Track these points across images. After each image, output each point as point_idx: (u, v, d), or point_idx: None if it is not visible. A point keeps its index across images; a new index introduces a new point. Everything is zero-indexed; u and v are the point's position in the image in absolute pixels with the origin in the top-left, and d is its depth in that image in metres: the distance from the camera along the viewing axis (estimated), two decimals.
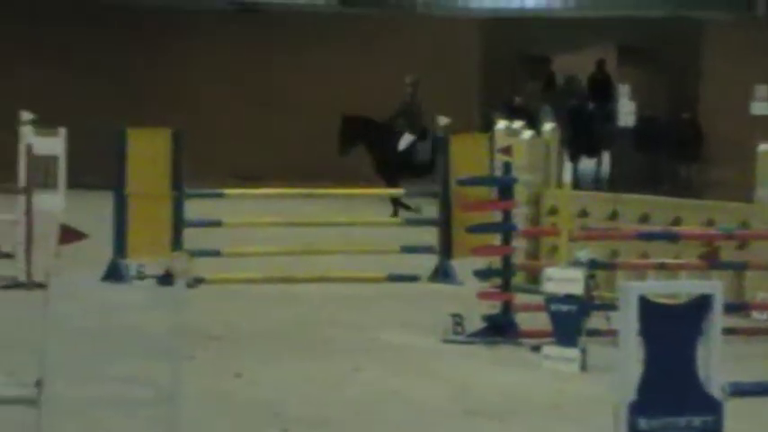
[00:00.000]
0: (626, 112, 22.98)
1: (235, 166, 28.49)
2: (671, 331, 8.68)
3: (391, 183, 24.98)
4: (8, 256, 18.58)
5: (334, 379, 13.95)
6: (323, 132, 30.07)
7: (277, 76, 31.38)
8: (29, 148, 18.74)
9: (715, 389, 8.75)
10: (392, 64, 31.23)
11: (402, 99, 26.26)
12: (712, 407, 8.73)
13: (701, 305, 8.73)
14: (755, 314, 17.28)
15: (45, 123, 19.16)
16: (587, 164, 20.33)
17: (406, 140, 24.02)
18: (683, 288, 8.97)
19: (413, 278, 19.61)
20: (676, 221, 18.30)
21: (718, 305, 8.75)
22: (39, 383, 8.18)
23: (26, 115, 19.16)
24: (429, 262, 19.99)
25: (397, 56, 31.52)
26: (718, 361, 8.74)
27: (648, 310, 8.63)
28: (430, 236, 20.17)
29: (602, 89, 29.32)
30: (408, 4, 32.85)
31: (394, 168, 25.54)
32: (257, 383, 13.45)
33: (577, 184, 18.90)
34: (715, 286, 9.00)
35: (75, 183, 19.21)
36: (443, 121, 20.65)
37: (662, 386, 8.62)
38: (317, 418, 12.21)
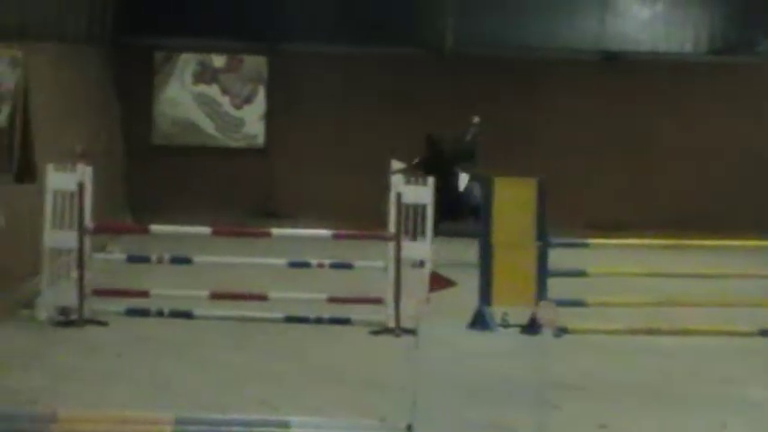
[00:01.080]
0: None
1: (594, 216, 28.34)
2: None
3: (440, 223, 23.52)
4: (378, 301, 18.84)
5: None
6: (691, 181, 29.90)
7: (641, 123, 31.19)
8: (398, 197, 18.99)
9: None
10: (751, 112, 30.90)
11: (466, 138, 25.20)
12: None
13: None
14: None
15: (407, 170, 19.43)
16: None
17: (463, 181, 23.46)
18: None
19: None
20: None
21: None
22: (409, 428, 8.27)
23: (397, 164, 19.41)
24: None
25: (752, 102, 31.15)
26: None
27: None
28: None
29: None
30: (763, 52, 32.38)
31: (452, 209, 24.45)
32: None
33: None
34: None
35: (441, 230, 19.38)
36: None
37: None
38: None
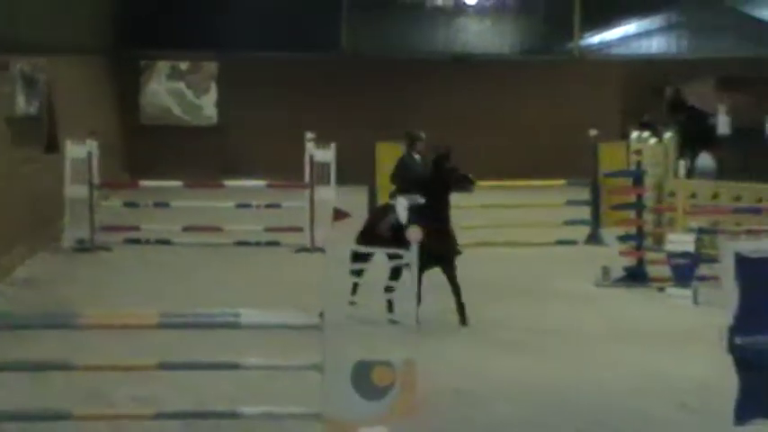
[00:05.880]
0: (723, 124, 22.46)
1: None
2: (757, 276, 8.51)
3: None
4: (298, 230, 18.84)
5: (530, 311, 13.90)
6: (518, 143, 30.01)
7: (482, 104, 31.22)
8: (311, 158, 19.16)
9: None
10: (561, 96, 31.00)
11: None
12: None
13: None
14: None
15: (321, 140, 19.40)
16: (705, 160, 19.80)
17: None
18: (766, 246, 8.76)
19: (573, 242, 19.41)
20: (760, 200, 17.92)
21: None
22: (321, 314, 8.24)
23: (309, 135, 19.39)
24: (584, 231, 19.77)
25: (563, 89, 31.26)
26: None
27: (741, 261, 8.47)
28: (585, 212, 19.94)
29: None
30: (568, 52, 32.51)
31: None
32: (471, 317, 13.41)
33: (690, 174, 18.46)
34: None
35: (342, 180, 19.35)
36: (593, 132, 20.40)
37: (751, 315, 8.46)
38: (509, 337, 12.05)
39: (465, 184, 13.01)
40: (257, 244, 19.00)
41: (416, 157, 13.56)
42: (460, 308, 12.81)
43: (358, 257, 11.71)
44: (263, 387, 9.32)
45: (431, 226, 11.42)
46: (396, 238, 11.92)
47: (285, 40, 30.98)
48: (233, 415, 8.54)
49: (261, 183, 20.13)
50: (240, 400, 8.77)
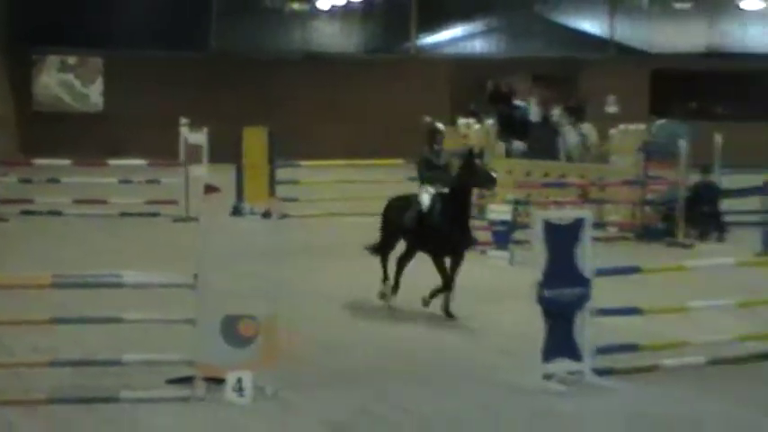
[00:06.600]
0: (535, 113, 22.79)
1: (309, 150, 28.20)
2: (561, 239, 8.72)
3: None
4: (174, 202, 18.65)
5: (373, 272, 13.96)
6: (364, 127, 30.02)
7: (334, 96, 31.18)
8: (186, 139, 19.09)
9: (587, 272, 8.80)
10: (400, 88, 31.12)
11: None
12: (585, 282, 8.80)
13: (578, 224, 8.78)
14: (610, 229, 17.32)
15: (195, 125, 19.25)
16: (518, 144, 20.07)
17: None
18: (569, 214, 8.98)
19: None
20: (563, 176, 18.30)
21: (588, 224, 8.80)
22: (195, 275, 8.19)
23: (183, 120, 19.23)
24: None
25: (401, 83, 31.40)
26: (588, 256, 8.79)
27: (549, 227, 8.67)
28: None
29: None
30: (406, 51, 32.69)
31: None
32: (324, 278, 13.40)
33: (508, 155, 18.74)
34: (586, 213, 9.05)
35: (213, 159, 19.23)
36: (427, 119, 20.50)
37: (556, 271, 8.67)
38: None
39: (490, 183, 11.80)
40: (139, 215, 18.74)
41: (436, 148, 12.04)
42: (447, 298, 11.40)
43: (383, 249, 11.66)
44: (143, 339, 9.23)
45: (455, 215, 11.12)
46: (420, 228, 11.44)
47: (163, 39, 30.67)
48: (117, 362, 8.50)
49: (141, 161, 19.86)
50: (124, 350, 8.68)
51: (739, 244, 16.05)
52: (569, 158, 19.59)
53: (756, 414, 8.11)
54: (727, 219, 17.54)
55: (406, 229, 11.76)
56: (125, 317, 8.58)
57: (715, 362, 9.28)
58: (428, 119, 20.72)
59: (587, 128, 20.24)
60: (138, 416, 7.89)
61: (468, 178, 11.44)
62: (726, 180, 18.25)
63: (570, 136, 19.44)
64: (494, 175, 11.76)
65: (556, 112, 17.52)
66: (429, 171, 11.83)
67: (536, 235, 8.65)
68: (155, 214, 18.68)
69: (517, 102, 19.45)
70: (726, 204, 17.81)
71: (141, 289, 8.95)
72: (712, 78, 31.80)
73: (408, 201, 11.99)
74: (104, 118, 30.63)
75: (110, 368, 8.53)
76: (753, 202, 16.80)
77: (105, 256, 14.62)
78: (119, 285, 8.61)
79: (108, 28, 30.58)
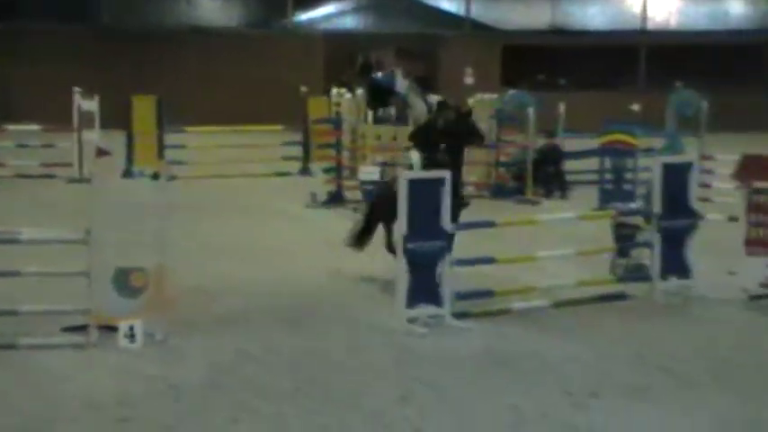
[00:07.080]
0: (400, 84, 22.79)
1: (195, 116, 27.73)
2: (425, 196, 8.77)
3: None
4: (68, 165, 18.25)
5: (254, 228, 13.85)
6: (245, 98, 29.58)
7: (219, 66, 30.70)
8: (79, 106, 18.54)
9: (447, 226, 8.87)
10: (278, 61, 30.80)
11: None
12: (446, 235, 8.87)
13: (440, 182, 8.84)
14: (467, 188, 17.45)
15: (87, 93, 18.80)
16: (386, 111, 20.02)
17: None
18: (432, 174, 9.03)
19: (289, 174, 19.44)
20: None
21: (447, 183, 8.87)
22: (88, 232, 8.03)
23: (77, 89, 18.78)
24: (297, 165, 19.83)
25: (280, 56, 31.07)
26: (448, 212, 8.86)
27: (413, 185, 8.71)
28: (297, 151, 20.00)
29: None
30: (284, 27, 32.37)
31: None
32: (209, 234, 13.25)
33: (377, 121, 18.74)
34: (446, 174, 9.11)
35: (105, 125, 18.81)
36: (303, 89, 20.47)
37: (420, 225, 8.73)
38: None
39: (479, 139, 10.94)
40: (37, 177, 18.24)
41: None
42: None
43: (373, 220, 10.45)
44: (41, 290, 9.00)
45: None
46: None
47: (56, 12, 29.76)
48: (15, 312, 8.28)
49: (37, 127, 19.30)
50: (22, 301, 8.46)
51: (579, 200, 16.39)
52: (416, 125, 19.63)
53: (590, 349, 8.32)
54: (569, 178, 17.92)
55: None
56: (22, 270, 8.38)
57: (558, 304, 9.51)
58: (304, 89, 20.62)
59: (433, 98, 20.32)
60: (35, 360, 7.72)
61: (461, 133, 10.51)
62: (568, 143, 18.62)
63: (417, 104, 19.46)
64: (482, 133, 11.10)
65: (404, 83, 17.52)
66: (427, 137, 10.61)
67: (400, 192, 8.68)
68: (50, 176, 18.20)
69: (378, 74, 19.44)
70: (568, 165, 18.16)
71: (38, 245, 8.74)
72: (556, 53, 32.37)
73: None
74: (1, 86, 29.62)
75: (8, 318, 8.31)
76: (591, 163, 17.16)
77: (3, 214, 14.19)
78: (16, 241, 8.41)
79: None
